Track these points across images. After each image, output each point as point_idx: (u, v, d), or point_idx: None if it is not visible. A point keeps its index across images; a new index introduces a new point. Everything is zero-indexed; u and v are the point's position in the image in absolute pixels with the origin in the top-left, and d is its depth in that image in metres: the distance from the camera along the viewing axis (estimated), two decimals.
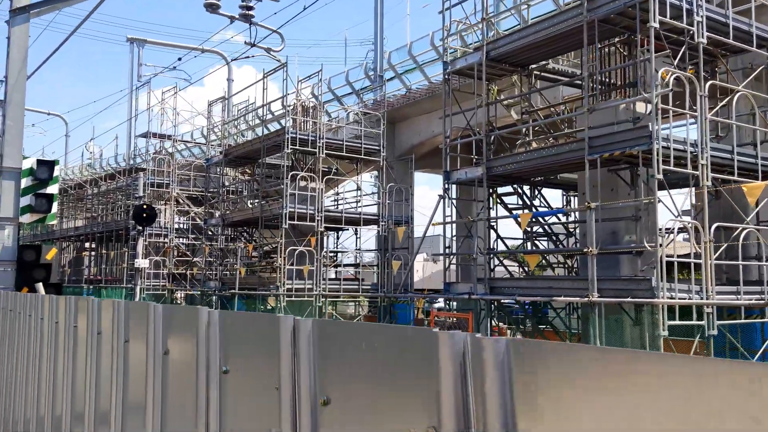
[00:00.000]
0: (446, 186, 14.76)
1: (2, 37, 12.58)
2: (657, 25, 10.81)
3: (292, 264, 19.81)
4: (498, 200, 15.16)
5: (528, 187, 15.75)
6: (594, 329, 10.85)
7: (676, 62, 11.18)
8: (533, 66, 14.64)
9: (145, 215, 21.17)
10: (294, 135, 20.32)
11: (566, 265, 16.28)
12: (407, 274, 20.06)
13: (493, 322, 14.34)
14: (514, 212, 15.44)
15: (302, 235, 20.54)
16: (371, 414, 1.65)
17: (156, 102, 30.54)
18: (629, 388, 1.05)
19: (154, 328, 3.39)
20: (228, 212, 24.58)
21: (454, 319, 17.23)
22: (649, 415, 1.03)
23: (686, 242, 14.08)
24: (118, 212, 31.93)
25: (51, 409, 6.08)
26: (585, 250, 11.08)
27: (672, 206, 12.59)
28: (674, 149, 10.69)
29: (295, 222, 19.94)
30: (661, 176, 10.39)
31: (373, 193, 26.41)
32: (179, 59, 31.08)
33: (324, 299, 20.69)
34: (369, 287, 22.68)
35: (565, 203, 17.23)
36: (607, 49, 13.49)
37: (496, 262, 15.16)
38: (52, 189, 12.74)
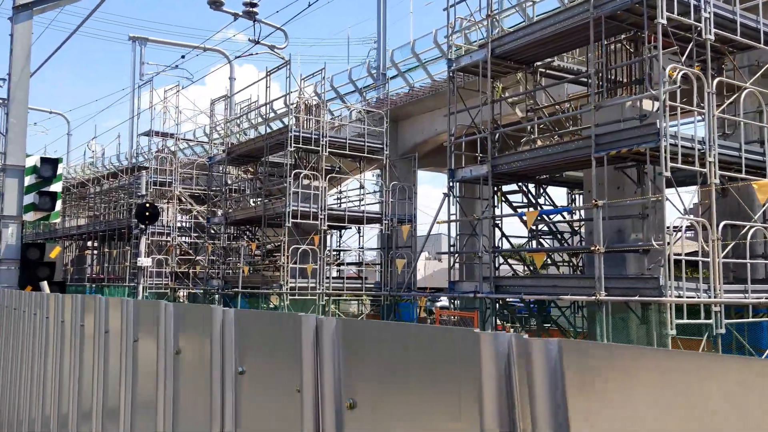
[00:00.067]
0: (451, 184, 14.68)
1: (5, 35, 12.51)
2: (665, 21, 10.72)
3: (295, 262, 19.75)
4: (503, 198, 15.09)
5: (533, 185, 15.67)
6: (601, 328, 10.78)
7: (683, 59, 11.10)
8: (538, 63, 14.56)
9: (147, 214, 21.08)
10: (297, 133, 20.25)
11: (571, 264, 16.21)
12: (411, 273, 19.99)
13: (497, 320, 14.27)
14: (519, 210, 15.37)
15: (305, 234, 20.48)
16: (403, 419, 1.58)
17: (158, 100, 30.49)
18: (698, 391, 0.98)
19: (165, 327, 3.33)
20: (231, 211, 24.52)
21: (457, 317, 17.17)
22: (717, 420, 0.96)
23: (689, 240, 13.99)
24: (120, 211, 31.89)
25: (57, 408, 6.03)
26: (592, 248, 11.00)
27: (679, 204, 12.54)
28: (682, 146, 10.61)
29: (298, 220, 19.87)
30: (669, 174, 10.32)
31: (375, 191, 26.35)
32: (182, 57, 30.95)
33: (328, 298, 20.63)
34: (372, 286, 22.61)
35: (569, 201, 17.15)
36: (613, 46, 13.40)
37: (501, 260, 15.09)
38: (56, 187, 12.68)
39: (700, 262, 10.69)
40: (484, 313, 13.70)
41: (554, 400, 1.18)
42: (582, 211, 15.46)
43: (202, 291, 26.46)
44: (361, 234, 23.59)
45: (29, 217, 12.50)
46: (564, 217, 16.27)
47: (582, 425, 1.14)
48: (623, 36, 13.15)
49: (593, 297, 10.79)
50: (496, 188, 14.37)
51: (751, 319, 11.87)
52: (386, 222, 21.71)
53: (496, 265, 14.03)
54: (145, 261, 23.00)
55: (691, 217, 11.73)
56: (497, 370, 1.29)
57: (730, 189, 12.07)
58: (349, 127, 23.20)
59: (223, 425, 2.57)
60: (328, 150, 20.59)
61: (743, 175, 11.74)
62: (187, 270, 27.68)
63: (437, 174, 40.90)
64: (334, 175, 22.29)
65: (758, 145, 12.69)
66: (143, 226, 21.87)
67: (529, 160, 13.07)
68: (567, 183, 16.27)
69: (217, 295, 25.50)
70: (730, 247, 11.44)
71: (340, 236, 24.61)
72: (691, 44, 11.22)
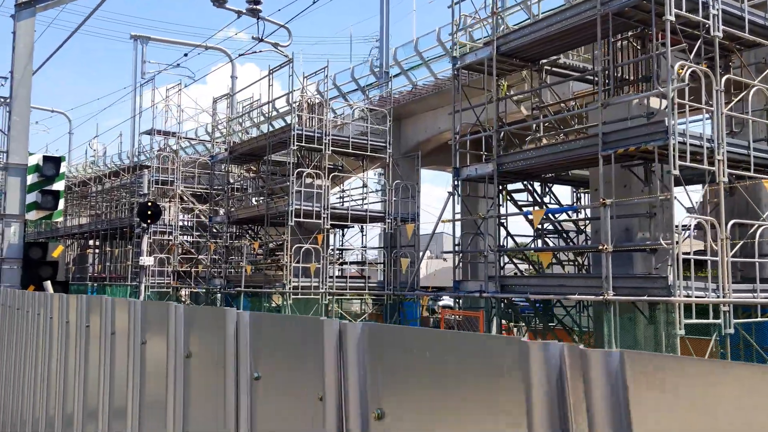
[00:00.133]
0: (455, 183, 14.58)
1: (8, 33, 12.43)
2: (673, 18, 10.61)
3: (297, 262, 19.67)
4: (508, 197, 14.98)
5: (538, 183, 15.57)
6: (609, 328, 10.68)
7: (691, 56, 10.99)
8: (544, 61, 14.45)
9: (149, 212, 21.01)
10: (300, 132, 20.15)
11: (576, 263, 16.10)
12: (415, 272, 19.90)
13: (501, 320, 14.17)
14: (525, 209, 15.26)
15: (308, 233, 20.39)
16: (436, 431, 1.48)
17: (160, 99, 30.41)
18: None
19: (175, 329, 3.23)
20: (233, 210, 24.44)
21: (461, 317, 17.07)
22: None
23: (694, 240, 13.87)
24: (122, 209, 31.81)
25: (62, 409, 5.94)
26: (600, 247, 10.89)
27: (686, 203, 12.43)
28: (690, 144, 10.51)
29: (301, 219, 19.79)
30: (677, 172, 10.22)
31: (377, 190, 26.25)
32: (185, 55, 30.87)
33: (331, 297, 20.54)
34: (375, 285, 22.53)
35: (574, 200, 17.04)
36: (619, 44, 13.30)
37: (506, 259, 14.99)
38: (59, 186, 12.59)
39: (709, 262, 10.58)
40: (489, 313, 13.61)
41: (616, 417, 1.08)
42: (588, 210, 15.36)
43: (204, 290, 26.39)
44: (364, 233, 23.52)
45: (32, 215, 12.41)
46: (569, 216, 16.17)
47: None
48: (630, 33, 13.04)
49: (601, 297, 10.69)
50: (501, 187, 14.27)
51: (759, 319, 11.77)
52: (389, 221, 21.61)
53: (501, 265, 13.92)
54: (147, 260, 22.94)
55: (699, 215, 11.62)
56: (548, 383, 1.19)
57: (738, 187, 11.96)
58: (351, 126, 23.10)
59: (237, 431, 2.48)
60: (330, 148, 20.49)
61: (751, 174, 11.64)
62: (189, 269, 27.61)
63: (438, 173, 40.80)
64: (336, 173, 22.20)
65: (766, 143, 12.59)
66: (145, 225, 21.79)
67: (536, 158, 12.97)
68: (573, 181, 16.16)
69: (219, 295, 25.43)
70: (738, 246, 11.32)
71: (343, 235, 24.54)
72: (699, 41, 11.11)
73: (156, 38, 37.96)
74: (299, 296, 19.94)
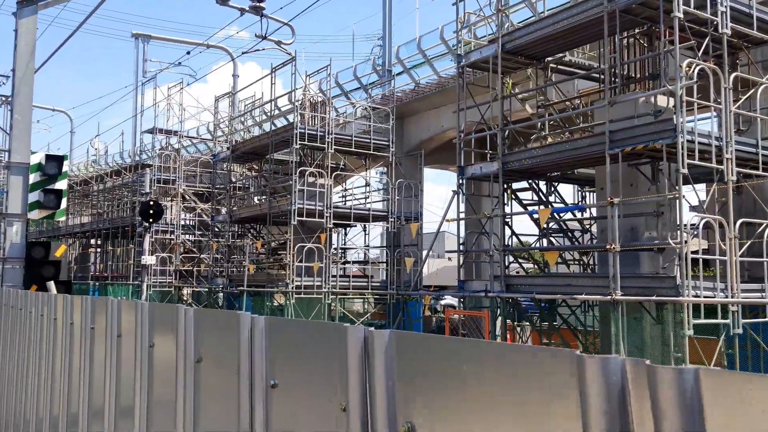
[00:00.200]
0: (460, 181, 14.48)
1: (10, 31, 12.33)
2: (681, 15, 10.51)
3: (300, 261, 19.58)
4: (513, 196, 14.88)
5: (543, 182, 15.46)
6: (616, 328, 10.58)
7: (700, 53, 10.88)
8: (549, 59, 14.34)
9: (151, 211, 20.93)
10: (303, 130, 20.05)
11: (581, 262, 16.00)
12: (419, 271, 19.81)
13: (506, 320, 14.06)
14: (529, 208, 15.16)
15: (310, 232, 20.30)
16: None
17: (162, 98, 30.33)
18: None
19: (185, 333, 3.14)
20: (235, 209, 24.35)
21: (465, 317, 16.98)
22: None
23: (698, 239, 13.76)
24: (123, 208, 31.73)
25: (66, 410, 5.85)
26: (607, 246, 10.79)
27: (693, 201, 12.33)
28: (699, 143, 10.41)
29: (304, 218, 19.69)
30: (686, 170, 10.11)
31: (379, 189, 26.14)
32: (188, 53, 30.71)
33: (335, 296, 20.46)
34: (378, 284, 22.43)
35: (580, 199, 16.93)
36: (625, 41, 13.19)
37: (510, 259, 14.88)
38: (61, 184, 12.49)
39: (718, 261, 10.48)
40: (494, 313, 13.51)
41: None
42: (594, 209, 15.26)
43: (206, 290, 26.31)
44: (367, 232, 23.42)
45: (34, 215, 12.32)
46: (574, 215, 16.06)
47: None
48: (637, 30, 12.93)
49: (609, 296, 10.59)
50: (506, 186, 14.17)
51: (767, 319, 11.67)
52: (392, 220, 21.51)
53: (507, 264, 13.82)
54: (149, 259, 22.88)
55: (707, 214, 11.51)
56: (607, 401, 1.08)
57: (746, 186, 11.86)
58: (354, 124, 23.00)
59: None
60: (333, 147, 20.39)
61: (759, 172, 11.53)
62: (191, 268, 27.53)
63: (440, 172, 40.66)
64: (339, 172, 22.10)
65: None
66: (147, 224, 21.71)
67: (541, 156, 12.87)
68: (578, 180, 16.05)
69: (221, 294, 25.35)
70: (748, 245, 11.22)
71: (345, 234, 24.44)
72: (707, 39, 11.01)
73: (157, 37, 37.85)
74: (302, 295, 19.85)
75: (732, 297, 10.49)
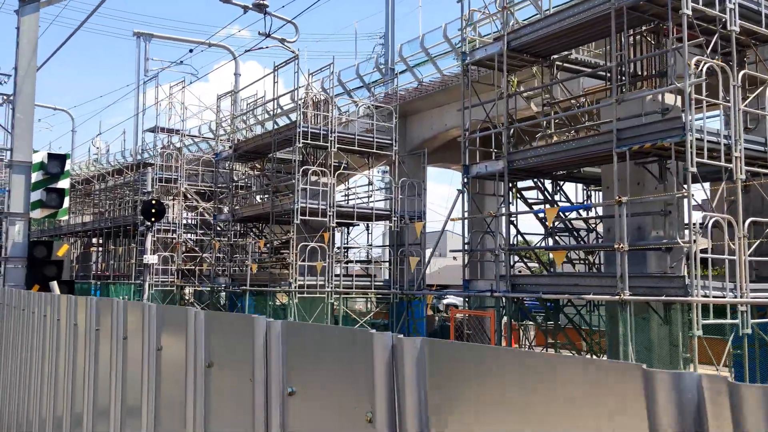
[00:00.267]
0: (465, 180, 14.37)
1: (12, 29, 12.24)
2: (690, 12, 10.40)
3: (303, 260, 19.48)
4: (518, 195, 14.77)
5: (549, 181, 15.35)
6: (625, 328, 10.47)
7: (708, 51, 10.77)
8: (555, 56, 14.23)
9: (153, 210, 20.84)
10: (305, 129, 19.94)
11: (587, 262, 15.90)
12: (423, 270, 19.71)
13: (511, 320, 13.96)
14: (536, 207, 15.05)
15: (313, 231, 20.20)
16: None
17: (164, 96, 30.22)
18: None
19: (195, 336, 3.04)
20: (237, 208, 24.25)
21: (469, 316, 16.88)
22: None
23: (703, 238, 13.64)
24: (125, 208, 31.65)
25: (70, 410, 5.76)
26: (615, 245, 10.68)
27: (699, 200, 12.21)
28: (708, 141, 10.30)
29: (307, 217, 19.59)
30: (695, 169, 10.00)
31: (381, 188, 26.02)
32: (190, 51, 30.53)
33: (337, 296, 20.36)
34: (381, 284, 22.32)
35: (585, 198, 16.82)
36: (632, 39, 13.06)
37: (515, 258, 14.78)
38: (64, 183, 12.39)
39: (727, 261, 10.37)
40: (499, 312, 13.41)
41: None
42: (600, 208, 15.14)
43: (208, 289, 26.23)
44: (370, 231, 23.32)
45: (36, 214, 12.23)
46: (579, 214, 15.95)
47: None
48: (644, 27, 12.81)
49: (617, 296, 10.49)
50: (511, 185, 14.06)
51: None
52: (395, 219, 21.40)
53: (512, 263, 13.72)
54: (151, 258, 22.76)
55: (715, 213, 11.40)
56: (681, 423, 0.98)
57: (755, 185, 11.74)
58: (357, 123, 22.88)
59: None
60: (336, 146, 20.28)
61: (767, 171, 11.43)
62: (193, 267, 27.44)
63: (441, 170, 40.56)
64: (341, 171, 21.99)
65: None
66: (149, 223, 21.61)
67: (548, 155, 12.76)
68: (584, 179, 15.94)
69: (223, 293, 25.26)
70: (756, 244, 11.11)
71: (348, 233, 24.34)
72: (715, 36, 10.89)
73: (159, 35, 37.76)
74: (305, 295, 19.76)
75: (741, 297, 10.38)
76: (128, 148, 37.08)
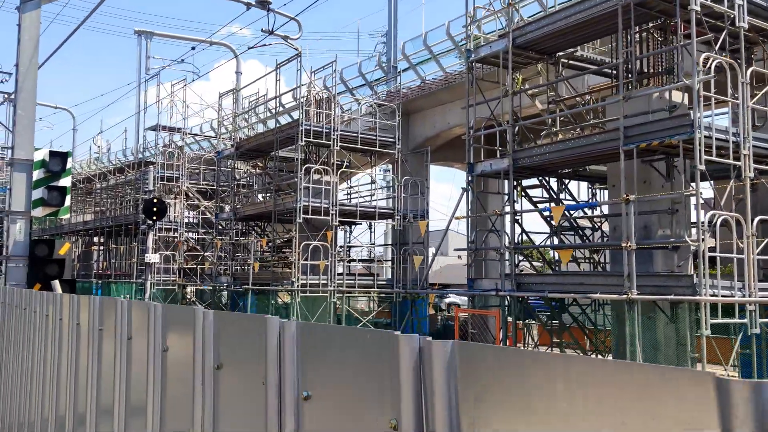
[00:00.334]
0: (470, 178, 14.26)
1: (13, 26, 12.15)
2: (698, 8, 10.28)
3: (305, 259, 19.38)
4: (522, 193, 14.66)
5: (554, 179, 15.24)
6: (632, 327, 10.37)
7: (716, 48, 10.66)
8: (560, 54, 14.11)
9: (155, 209, 20.76)
10: (308, 127, 19.84)
11: (592, 260, 15.79)
12: (427, 269, 19.61)
13: (516, 320, 13.85)
14: (541, 206, 14.94)
15: (315, 230, 20.10)
16: None
17: (165, 95, 30.13)
18: None
19: (203, 337, 2.94)
20: (239, 206, 24.15)
21: (472, 315, 16.77)
22: None
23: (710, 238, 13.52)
24: (127, 206, 31.58)
25: (73, 411, 5.67)
26: (623, 244, 10.57)
27: (709, 198, 12.09)
28: (716, 138, 10.18)
29: (309, 216, 19.49)
30: (703, 167, 9.89)
31: (383, 187, 25.93)
32: (192, 48, 30.45)
33: (340, 295, 20.26)
34: (384, 283, 22.23)
35: (590, 196, 16.70)
36: (639, 36, 12.95)
37: (521, 257, 14.66)
38: (65, 181, 12.30)
39: (735, 260, 10.25)
40: (505, 312, 13.31)
41: None
42: (605, 207, 15.03)
43: (210, 288, 26.14)
44: (372, 230, 23.23)
45: (38, 212, 12.14)
46: (585, 213, 15.84)
47: None
48: (651, 24, 12.69)
49: (625, 296, 10.38)
50: (516, 183, 13.95)
51: None
52: (398, 217, 21.30)
53: (517, 262, 13.61)
54: (152, 257, 22.68)
55: (722, 212, 11.29)
56: None
57: (764, 183, 11.64)
58: (360, 121, 22.77)
59: None
60: (339, 144, 20.18)
61: None
62: (194, 266, 27.36)
63: (443, 169, 40.42)
64: (344, 169, 21.89)
65: None
66: (150, 222, 21.52)
67: (553, 153, 12.65)
68: (589, 177, 15.83)
69: (225, 292, 25.16)
70: (764, 243, 11.00)
71: (350, 232, 24.24)
72: (724, 33, 10.78)
73: (160, 33, 37.63)
74: (307, 294, 19.66)
75: (750, 296, 10.28)
76: (129, 146, 37.01)
